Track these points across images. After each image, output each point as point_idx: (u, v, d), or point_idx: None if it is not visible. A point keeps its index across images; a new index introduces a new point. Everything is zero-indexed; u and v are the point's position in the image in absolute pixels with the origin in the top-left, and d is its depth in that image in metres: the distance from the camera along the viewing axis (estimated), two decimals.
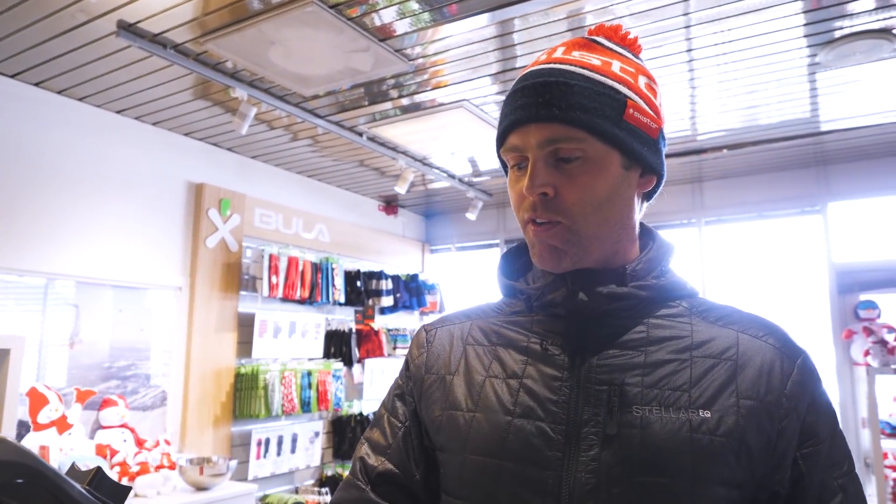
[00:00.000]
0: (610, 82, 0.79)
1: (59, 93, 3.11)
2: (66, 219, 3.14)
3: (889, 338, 3.73)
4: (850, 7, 2.35)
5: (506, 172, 0.87)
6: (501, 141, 0.83)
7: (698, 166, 4.30)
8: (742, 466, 0.71)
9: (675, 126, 3.61)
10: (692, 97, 3.21)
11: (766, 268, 4.40)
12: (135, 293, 3.45)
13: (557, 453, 0.73)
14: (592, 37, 0.86)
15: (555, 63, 0.81)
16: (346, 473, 4.39)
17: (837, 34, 2.54)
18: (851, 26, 2.48)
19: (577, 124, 0.76)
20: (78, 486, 0.56)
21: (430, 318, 5.44)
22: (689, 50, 2.71)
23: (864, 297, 4.00)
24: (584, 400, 0.75)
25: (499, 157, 0.87)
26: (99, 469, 0.60)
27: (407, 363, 0.93)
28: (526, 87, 0.80)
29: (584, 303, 0.78)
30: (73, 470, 0.59)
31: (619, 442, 0.72)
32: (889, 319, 3.87)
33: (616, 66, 0.81)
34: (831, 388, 3.96)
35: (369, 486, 0.87)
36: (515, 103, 0.80)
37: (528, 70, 0.83)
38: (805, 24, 2.49)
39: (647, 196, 0.86)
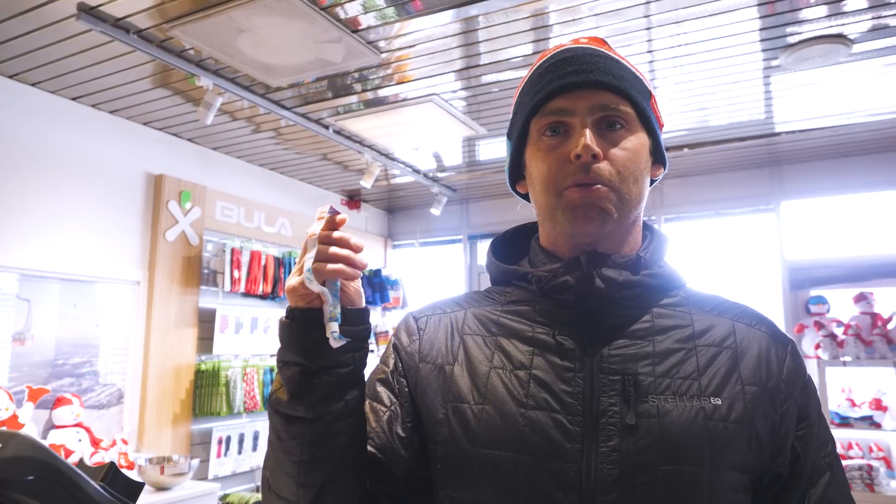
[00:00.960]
0: (637, 74, 0.85)
1: (11, 77, 2.96)
2: (11, 209, 2.99)
3: (838, 332, 3.91)
4: (803, 14, 2.44)
5: (518, 148, 0.86)
6: (539, 106, 0.81)
7: None
8: (752, 451, 0.74)
9: None
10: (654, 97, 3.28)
11: (722, 264, 4.54)
12: (88, 287, 3.32)
13: (577, 445, 0.73)
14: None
15: (588, 45, 0.84)
16: None
17: (791, 39, 2.63)
18: (806, 32, 2.57)
19: (626, 95, 0.80)
20: (92, 482, 0.54)
21: (394, 314, 5.43)
22: (650, 51, 2.77)
23: (814, 292, 4.17)
24: (599, 390, 0.75)
25: (518, 130, 0.85)
26: (112, 464, 0.58)
27: (396, 350, 0.89)
28: (575, 57, 0.81)
29: (598, 290, 0.78)
30: (83, 466, 0.57)
31: (639, 431, 0.72)
32: (838, 314, 4.04)
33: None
34: None
35: None
36: (564, 69, 0.81)
37: (563, 47, 0.85)
38: (760, 29, 2.57)
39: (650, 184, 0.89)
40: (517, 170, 0.89)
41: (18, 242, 3.00)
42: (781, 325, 4.20)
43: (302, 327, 0.76)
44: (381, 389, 0.86)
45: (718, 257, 4.56)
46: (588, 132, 0.77)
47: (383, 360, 0.90)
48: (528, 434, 0.74)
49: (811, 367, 4.07)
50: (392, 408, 0.84)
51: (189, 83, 3.02)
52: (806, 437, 0.79)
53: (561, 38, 2.64)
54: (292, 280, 0.76)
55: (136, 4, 2.34)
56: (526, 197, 0.90)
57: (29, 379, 3.03)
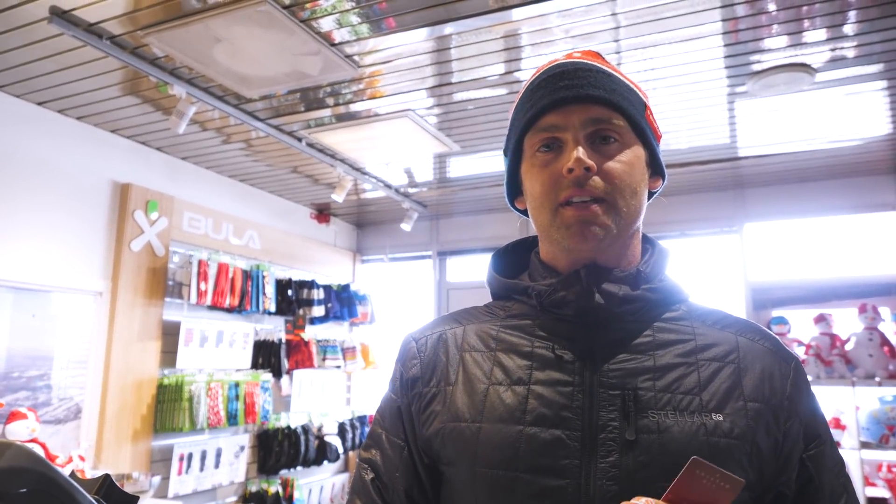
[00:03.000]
0: (632, 86, 0.85)
1: None
2: None
3: (799, 351, 4.01)
4: (766, 43, 2.54)
5: (515, 164, 0.86)
6: (532, 122, 0.81)
7: None
8: (753, 468, 0.73)
9: None
10: None
11: (687, 284, 4.63)
12: (45, 297, 3.21)
13: (575, 461, 0.72)
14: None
15: (581, 60, 0.84)
16: (270, 489, 4.20)
17: (757, 67, 2.73)
18: (766, 61, 2.67)
19: (619, 109, 0.80)
20: (88, 495, 0.52)
21: (362, 329, 5.39)
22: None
23: (776, 312, 4.29)
24: (599, 405, 0.74)
25: (513, 146, 0.85)
26: (107, 477, 0.55)
27: (400, 377, 0.87)
28: (567, 72, 0.81)
29: (597, 304, 0.78)
30: (75, 478, 0.54)
31: (639, 447, 0.71)
32: (799, 334, 4.16)
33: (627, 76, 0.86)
34: None
35: None
36: (555, 84, 0.80)
37: (556, 62, 0.85)
38: (725, 56, 2.67)
39: (649, 197, 0.88)
40: (514, 186, 0.89)
41: None
42: None
43: None
44: (396, 422, 0.86)
45: (684, 277, 4.65)
46: (580, 147, 0.77)
47: (391, 388, 0.89)
48: (524, 451, 0.73)
49: None
50: (408, 441, 0.84)
51: (160, 91, 2.98)
52: (818, 458, 0.77)
53: (533, 60, 2.69)
54: None
55: (111, 10, 2.30)
56: (525, 213, 0.89)
57: None
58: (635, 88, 0.86)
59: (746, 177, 4.31)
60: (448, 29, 2.41)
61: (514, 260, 0.93)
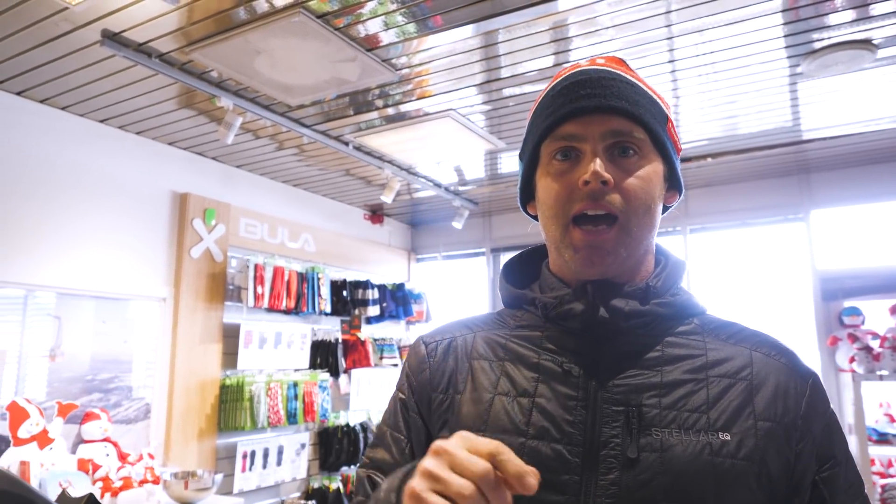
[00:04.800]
0: (655, 97, 0.82)
1: (42, 102, 3.06)
2: (47, 229, 3.09)
3: (874, 344, 3.77)
4: (830, 19, 2.39)
5: (530, 169, 0.85)
6: (550, 129, 0.80)
7: (682, 175, 4.33)
8: (762, 489, 0.70)
9: None
10: (675, 107, 3.24)
11: (750, 275, 4.44)
12: (117, 304, 3.40)
13: (575, 477, 0.71)
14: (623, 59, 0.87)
15: (605, 67, 0.82)
16: (332, 486, 4.29)
17: (817, 45, 2.57)
18: (831, 38, 2.52)
19: (641, 122, 0.77)
20: None
21: (418, 328, 5.43)
22: (672, 61, 2.74)
23: (848, 303, 4.05)
24: (602, 421, 0.72)
25: (530, 151, 0.84)
26: (91, 496, 0.58)
27: (407, 378, 0.88)
28: (589, 80, 0.79)
29: (603, 319, 0.76)
30: (64, 497, 0.57)
31: (640, 465, 0.69)
32: (873, 326, 3.91)
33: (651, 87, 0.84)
34: None
35: None
36: (577, 93, 0.79)
37: (579, 68, 0.83)
38: (785, 36, 2.52)
39: (663, 211, 0.86)
40: (528, 190, 0.88)
41: (50, 261, 3.08)
42: (813, 338, 4.09)
43: None
44: (401, 419, 0.86)
45: (746, 268, 4.47)
46: (598, 159, 0.75)
47: (399, 388, 0.90)
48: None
49: (845, 381, 3.94)
50: (412, 438, 0.85)
51: (212, 103, 3.09)
52: (832, 480, 0.74)
53: (581, 51, 2.63)
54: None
55: (157, 30, 2.40)
56: (536, 218, 0.88)
57: (60, 394, 3.10)
58: (658, 100, 0.83)
59: (812, 161, 4.08)
60: (494, 24, 2.38)
61: (526, 268, 0.91)
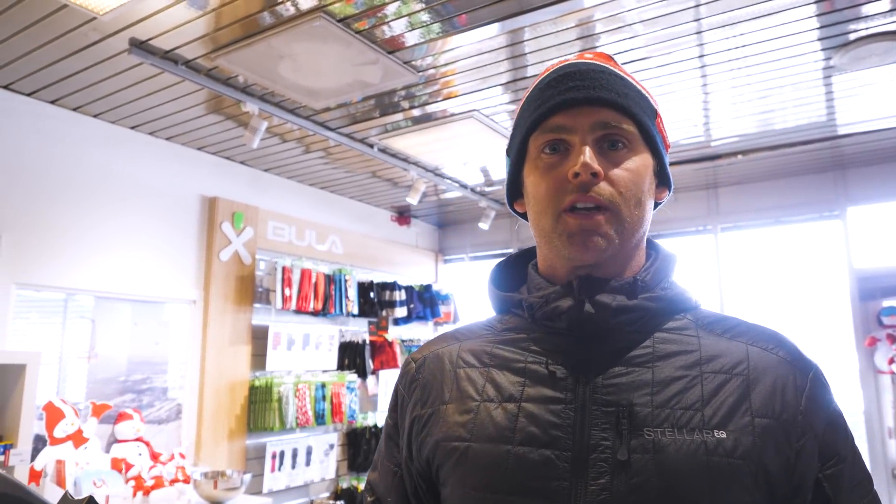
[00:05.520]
0: (643, 91, 0.81)
1: (75, 110, 3.15)
2: (84, 234, 3.17)
3: None
4: (865, 9, 2.32)
5: (517, 165, 0.83)
6: (539, 122, 0.78)
7: (713, 172, 4.25)
8: (760, 489, 0.67)
9: (688, 132, 3.57)
10: (705, 103, 3.18)
11: (784, 274, 4.33)
12: (151, 307, 3.48)
13: (564, 483, 0.68)
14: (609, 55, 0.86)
15: (593, 61, 0.81)
16: (360, 486, 4.36)
17: (852, 36, 2.50)
18: (867, 28, 2.44)
19: (629, 114, 0.76)
20: None
21: (445, 329, 5.43)
22: (702, 56, 2.68)
23: (886, 303, 3.91)
24: (591, 423, 0.70)
25: (517, 146, 0.82)
26: (91, 499, 0.59)
27: (398, 399, 0.87)
28: (577, 72, 0.78)
29: (590, 315, 0.74)
30: (66, 499, 0.58)
31: (632, 468, 0.67)
32: None
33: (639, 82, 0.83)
34: (855, 396, 3.88)
35: None
36: (565, 85, 0.78)
37: (566, 63, 0.82)
38: (819, 28, 2.45)
39: (654, 207, 0.85)
40: (515, 187, 0.86)
41: (88, 265, 3.16)
42: (851, 339, 3.97)
43: None
44: (391, 445, 0.86)
45: (780, 268, 4.35)
46: (588, 150, 0.74)
47: (390, 412, 0.89)
48: (512, 473, 0.70)
49: (885, 383, 3.81)
50: (399, 467, 0.84)
51: (239, 108, 3.13)
52: (836, 477, 0.70)
53: (607, 48, 2.60)
54: None
55: (182, 37, 2.44)
56: (524, 216, 0.86)
57: (95, 395, 3.18)
58: (647, 94, 0.82)
59: (847, 157, 3.96)
60: (520, 22, 2.36)
61: (514, 272, 0.90)
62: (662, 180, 0.83)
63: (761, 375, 0.72)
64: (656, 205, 0.84)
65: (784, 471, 0.68)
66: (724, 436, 0.67)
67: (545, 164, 0.78)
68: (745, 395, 0.70)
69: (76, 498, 0.59)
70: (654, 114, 0.81)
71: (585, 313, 0.74)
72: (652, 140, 0.79)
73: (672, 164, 4.03)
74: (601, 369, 0.73)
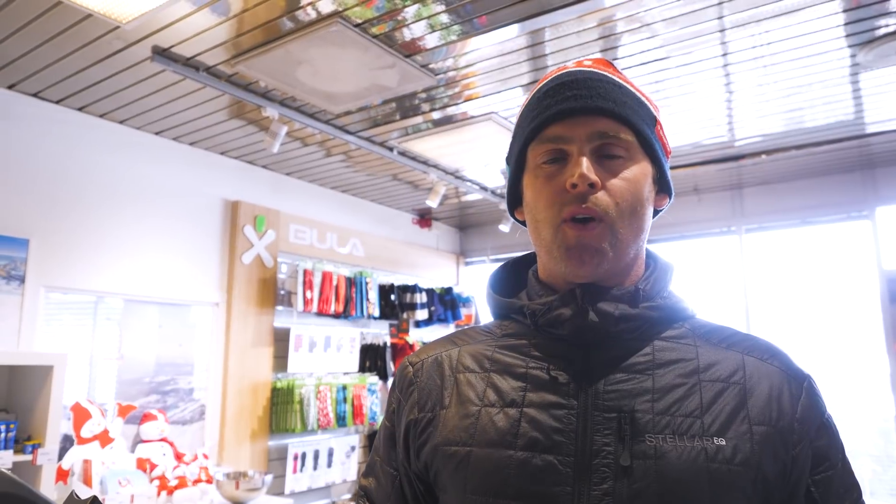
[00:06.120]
0: (643, 98, 0.81)
1: (101, 116, 3.22)
2: (109, 238, 3.24)
3: None
4: (892, 4, 2.26)
5: (517, 174, 0.83)
6: (536, 132, 0.79)
7: (737, 172, 4.19)
8: (758, 495, 0.68)
9: (711, 132, 3.52)
10: (728, 102, 3.13)
11: (811, 277, 4.24)
12: (176, 309, 3.54)
13: (567, 488, 0.68)
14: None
15: (591, 69, 0.81)
16: None
17: (879, 32, 2.44)
18: (891, 25, 2.38)
19: (628, 123, 0.76)
20: None
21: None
22: (725, 54, 2.65)
23: None
24: (593, 429, 0.70)
25: (516, 155, 0.83)
26: (95, 499, 0.60)
27: (396, 403, 0.86)
28: (575, 81, 0.78)
29: (593, 323, 0.74)
30: (72, 499, 0.59)
31: (634, 474, 0.67)
32: None
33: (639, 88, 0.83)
34: (886, 401, 3.78)
35: None
36: (562, 94, 0.78)
37: (565, 70, 0.81)
38: (846, 24, 2.40)
39: (654, 214, 0.84)
40: (515, 196, 0.86)
41: (119, 270, 3.23)
42: (881, 342, 3.88)
43: None
44: (390, 450, 0.86)
45: (807, 269, 4.27)
46: (585, 160, 0.74)
47: (387, 416, 0.89)
48: (514, 477, 0.70)
49: None
50: (398, 471, 0.84)
51: (260, 113, 3.17)
52: (825, 483, 0.71)
53: (629, 48, 2.58)
54: None
55: (203, 44, 2.48)
56: (525, 223, 0.86)
57: (122, 396, 3.25)
58: (646, 101, 0.81)
59: (877, 155, 3.87)
60: (540, 22, 2.35)
61: (513, 278, 0.90)
62: (663, 187, 0.82)
63: (757, 384, 0.73)
64: (657, 212, 0.84)
65: (781, 477, 0.70)
66: (724, 443, 0.68)
67: (543, 174, 0.78)
68: (742, 403, 0.71)
69: (81, 498, 0.61)
70: (654, 121, 0.81)
71: (589, 321, 0.74)
72: (651, 148, 0.78)
73: (694, 164, 4.00)
74: (602, 375, 0.74)
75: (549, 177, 0.77)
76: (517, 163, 0.83)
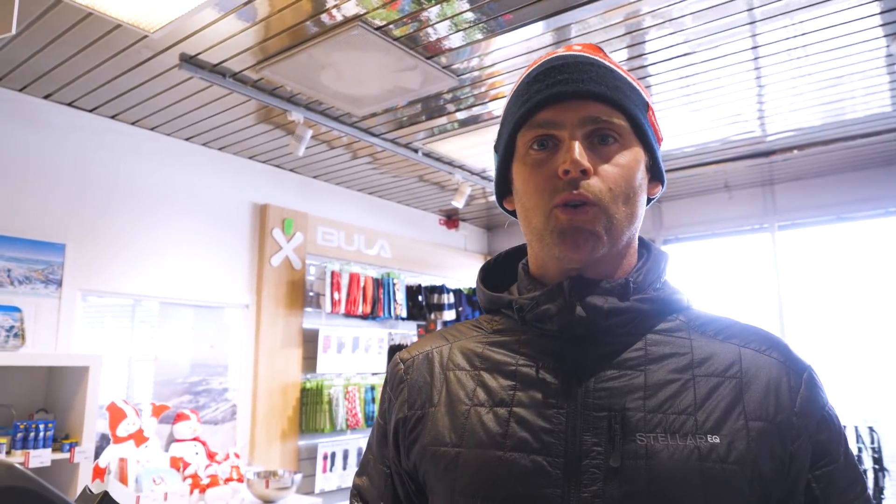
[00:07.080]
0: (634, 84, 0.79)
1: (133, 124, 3.30)
2: (141, 242, 3.32)
3: None
4: None
5: (505, 162, 0.81)
6: (526, 117, 0.75)
7: (769, 168, 4.09)
8: (756, 494, 0.66)
9: (741, 127, 3.45)
10: (760, 96, 3.07)
11: (848, 274, 4.12)
12: (209, 311, 3.61)
13: (556, 490, 0.66)
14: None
15: (582, 53, 0.78)
16: None
17: None
18: None
19: (620, 107, 0.74)
20: None
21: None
22: (755, 47, 2.59)
23: None
24: (583, 428, 0.68)
25: (505, 142, 0.80)
26: (106, 494, 0.61)
27: (387, 401, 0.84)
28: (565, 65, 0.76)
29: (581, 318, 0.72)
30: (85, 494, 0.61)
31: (624, 475, 0.65)
32: None
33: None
34: None
35: None
36: (553, 78, 0.75)
37: (555, 54, 0.79)
38: (881, 13, 2.33)
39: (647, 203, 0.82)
40: (504, 185, 0.83)
41: (154, 273, 3.31)
42: None
43: None
44: (382, 448, 0.84)
45: (843, 267, 4.15)
46: (577, 146, 0.71)
47: (379, 413, 0.87)
48: (503, 479, 0.69)
49: None
50: (390, 469, 0.83)
51: (286, 117, 3.21)
52: (827, 478, 0.68)
53: (656, 42, 2.54)
54: None
55: (229, 50, 2.53)
56: (514, 213, 0.83)
57: (158, 396, 3.32)
58: (638, 87, 0.79)
59: None
60: (565, 19, 2.33)
61: (505, 271, 0.87)
62: (655, 175, 0.80)
63: (754, 377, 0.70)
64: (650, 200, 0.81)
65: (779, 474, 0.67)
66: (718, 441, 0.66)
67: (533, 160, 0.75)
68: (738, 398, 0.69)
69: (94, 492, 0.62)
70: (646, 107, 0.78)
71: (576, 316, 0.72)
72: (644, 134, 0.76)
73: (724, 161, 3.92)
74: (593, 372, 0.71)
75: (539, 163, 0.74)
76: (506, 150, 0.80)
